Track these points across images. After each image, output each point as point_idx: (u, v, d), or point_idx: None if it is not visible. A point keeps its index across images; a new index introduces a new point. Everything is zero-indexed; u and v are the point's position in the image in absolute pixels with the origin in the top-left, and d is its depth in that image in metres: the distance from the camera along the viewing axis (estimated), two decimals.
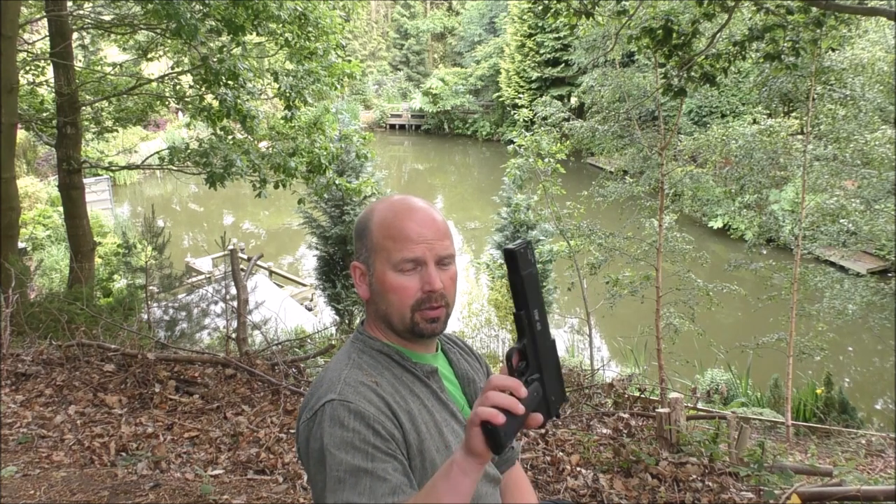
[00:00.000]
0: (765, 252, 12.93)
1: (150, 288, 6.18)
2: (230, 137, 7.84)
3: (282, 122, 7.94)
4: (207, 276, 13.15)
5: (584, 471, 2.98)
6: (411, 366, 1.20)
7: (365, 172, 12.57)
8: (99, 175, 17.44)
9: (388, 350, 1.21)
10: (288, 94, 7.20)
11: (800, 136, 10.16)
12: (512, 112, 24.12)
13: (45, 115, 8.34)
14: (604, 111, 10.66)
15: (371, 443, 1.04)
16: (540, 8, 5.64)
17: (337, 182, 8.38)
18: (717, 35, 5.28)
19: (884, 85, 9.43)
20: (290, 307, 12.25)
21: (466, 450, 0.96)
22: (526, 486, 1.41)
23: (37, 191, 17.81)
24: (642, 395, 4.31)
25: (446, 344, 1.36)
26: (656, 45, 4.88)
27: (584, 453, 3.14)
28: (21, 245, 10.81)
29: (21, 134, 12.10)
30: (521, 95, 12.99)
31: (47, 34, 7.84)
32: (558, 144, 10.45)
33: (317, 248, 13.50)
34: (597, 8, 5.20)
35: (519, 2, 30.44)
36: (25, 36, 9.17)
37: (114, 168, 9.78)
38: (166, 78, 8.69)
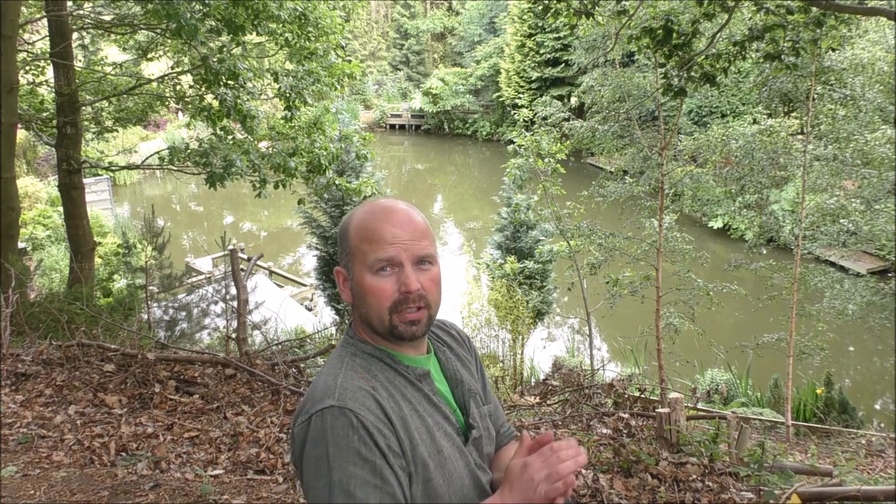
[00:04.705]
0: (765, 252, 12.92)
1: (150, 288, 6.18)
2: (230, 137, 7.83)
3: (282, 122, 7.94)
4: (207, 276, 13.14)
5: (584, 471, 2.97)
6: (403, 369, 1.19)
7: (365, 172, 12.59)
8: (99, 175, 17.47)
9: (380, 353, 1.20)
10: (288, 95, 7.19)
11: (800, 136, 10.16)
12: (512, 112, 24.09)
13: (45, 115, 8.35)
14: (604, 111, 10.65)
15: (372, 451, 1.04)
16: (540, 8, 5.65)
17: (337, 182, 8.38)
18: (717, 35, 5.28)
19: (884, 85, 9.42)
20: (290, 307, 12.25)
21: None
22: None
23: (37, 191, 17.82)
24: (642, 395, 4.30)
25: (436, 342, 1.34)
26: (656, 45, 4.89)
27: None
28: (21, 245, 10.82)
29: (21, 134, 12.11)
30: (521, 95, 12.98)
31: (47, 34, 7.85)
32: (558, 144, 10.46)
33: (317, 248, 13.52)
34: (597, 8, 5.20)
35: (519, 2, 30.45)
36: (25, 36, 9.17)
37: (114, 168, 9.76)
38: (166, 78, 8.69)
